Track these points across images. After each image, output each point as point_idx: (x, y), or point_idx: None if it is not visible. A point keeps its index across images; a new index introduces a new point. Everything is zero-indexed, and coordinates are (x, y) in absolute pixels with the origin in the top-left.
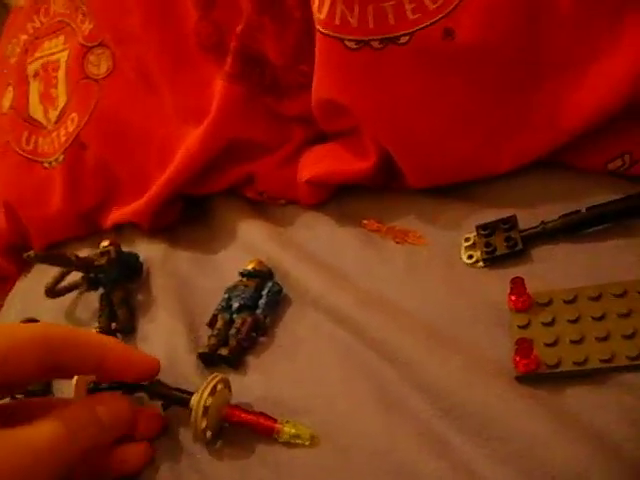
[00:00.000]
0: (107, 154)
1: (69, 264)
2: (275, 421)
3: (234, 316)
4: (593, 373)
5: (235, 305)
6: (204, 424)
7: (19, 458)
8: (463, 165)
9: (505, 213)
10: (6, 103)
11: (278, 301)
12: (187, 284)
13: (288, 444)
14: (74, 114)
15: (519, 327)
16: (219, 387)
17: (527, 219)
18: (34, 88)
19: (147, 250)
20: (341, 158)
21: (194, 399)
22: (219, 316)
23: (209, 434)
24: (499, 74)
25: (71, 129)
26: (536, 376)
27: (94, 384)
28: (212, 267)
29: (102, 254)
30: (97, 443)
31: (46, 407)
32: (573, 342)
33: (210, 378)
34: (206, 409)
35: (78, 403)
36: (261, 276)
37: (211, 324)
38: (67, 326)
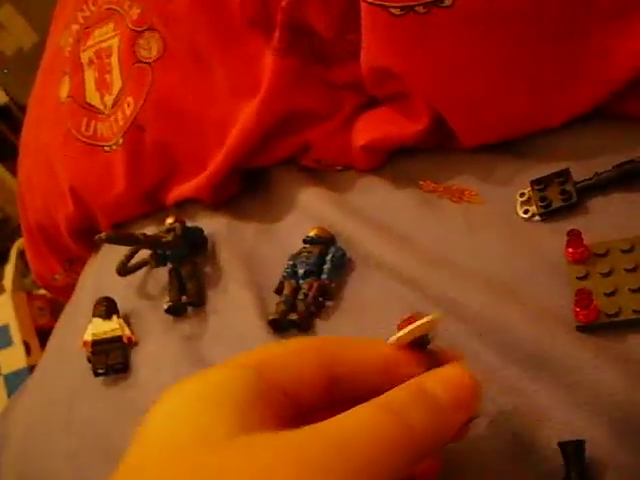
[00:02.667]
0: (165, 135)
1: (138, 243)
2: None
3: (300, 282)
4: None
5: (301, 271)
6: None
7: (329, 455)
8: (515, 121)
9: (558, 166)
10: (64, 92)
11: (342, 265)
12: (252, 254)
13: None
14: (130, 98)
15: (577, 278)
16: None
17: (581, 171)
18: (89, 75)
19: (211, 224)
20: (394, 122)
21: None
22: (285, 283)
23: None
24: (545, 28)
25: (128, 113)
26: (597, 326)
27: None
28: (275, 236)
29: (168, 231)
30: (438, 432)
31: None
32: (632, 290)
33: None
34: None
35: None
36: (324, 242)
37: (278, 291)
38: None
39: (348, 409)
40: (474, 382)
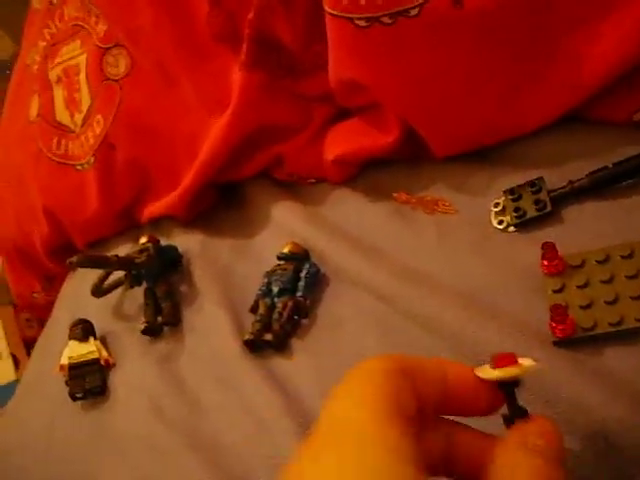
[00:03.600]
0: (136, 152)
1: (110, 265)
2: None
3: (275, 300)
4: (629, 333)
5: (275, 289)
6: None
7: None
8: (487, 129)
9: (532, 174)
10: (33, 111)
11: (317, 282)
12: (227, 271)
13: None
14: (99, 116)
15: (553, 291)
16: None
17: (555, 178)
18: (58, 94)
19: (185, 241)
20: (365, 134)
21: None
22: (260, 301)
23: None
24: (512, 35)
25: (98, 131)
26: (574, 340)
27: None
28: (250, 252)
29: (141, 251)
30: None
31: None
32: (607, 303)
33: None
34: None
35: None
36: (298, 258)
37: (253, 310)
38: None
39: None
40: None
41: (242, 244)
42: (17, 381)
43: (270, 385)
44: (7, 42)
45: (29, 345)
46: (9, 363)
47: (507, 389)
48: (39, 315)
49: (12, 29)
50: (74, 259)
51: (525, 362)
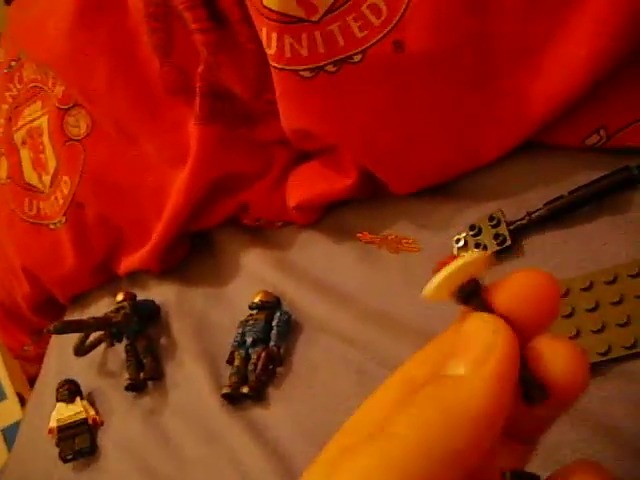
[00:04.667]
0: (104, 209)
1: (89, 328)
2: None
3: (250, 351)
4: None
5: (249, 340)
6: None
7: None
8: (442, 166)
9: (491, 206)
10: (3, 174)
11: (289, 330)
12: (203, 322)
13: None
14: (66, 177)
15: None
16: None
17: (514, 209)
18: (25, 155)
19: (161, 292)
20: (323, 178)
21: None
22: (236, 353)
23: None
24: (455, 75)
25: (66, 191)
26: None
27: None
28: (223, 301)
29: (117, 310)
30: None
31: None
32: (594, 332)
33: None
34: None
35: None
36: (269, 307)
37: (229, 361)
38: None
39: None
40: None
41: (215, 293)
42: None
43: (250, 436)
44: None
45: (32, 383)
46: (14, 402)
47: (467, 298)
48: (32, 364)
49: None
50: (51, 327)
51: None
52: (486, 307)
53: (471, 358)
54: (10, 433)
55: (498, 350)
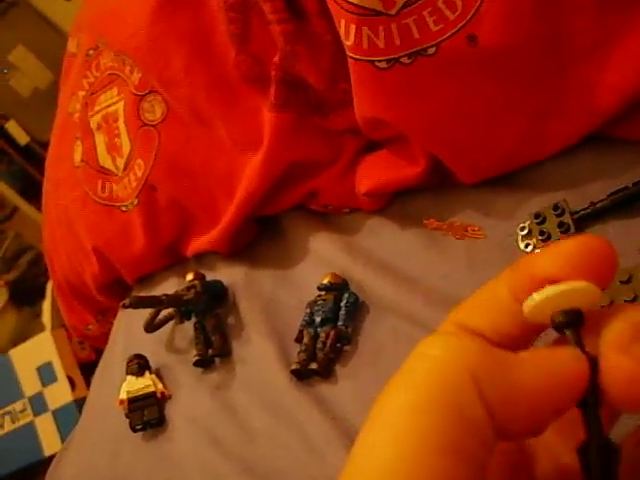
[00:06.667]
0: (176, 192)
1: (161, 304)
2: None
3: (318, 330)
4: None
5: (317, 319)
6: None
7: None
8: (509, 156)
9: (556, 196)
10: (77, 157)
11: (356, 310)
12: (271, 302)
13: None
14: (140, 160)
15: None
16: None
17: (578, 199)
18: (100, 140)
19: (229, 274)
20: (393, 166)
21: None
22: (304, 331)
23: None
24: (527, 68)
25: (139, 174)
26: None
27: None
28: (292, 283)
29: (188, 288)
30: None
31: None
32: None
33: None
34: None
35: None
36: (338, 288)
37: (298, 340)
38: None
39: None
40: None
41: (283, 275)
42: (75, 402)
43: (318, 411)
44: (46, 73)
45: (82, 367)
46: (65, 385)
47: (564, 327)
48: (93, 344)
49: (49, 59)
50: (127, 302)
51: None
52: (581, 345)
53: None
54: (61, 415)
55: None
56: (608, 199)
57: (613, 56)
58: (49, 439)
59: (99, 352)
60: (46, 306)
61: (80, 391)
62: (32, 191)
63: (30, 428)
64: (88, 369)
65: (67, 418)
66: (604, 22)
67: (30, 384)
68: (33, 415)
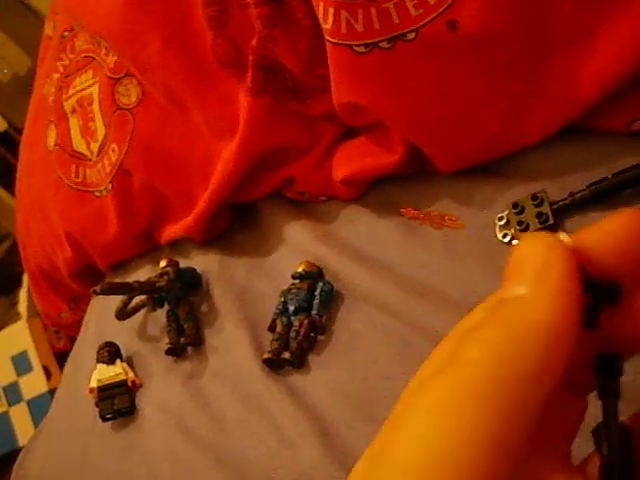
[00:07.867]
0: (150, 178)
1: (133, 291)
2: None
3: (292, 318)
4: None
5: (291, 308)
6: None
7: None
8: (488, 144)
9: (534, 187)
10: (51, 141)
11: (331, 299)
12: (244, 290)
13: None
14: (114, 144)
15: None
16: None
17: (557, 190)
18: (74, 123)
19: (203, 261)
20: (370, 153)
21: None
22: (278, 320)
23: None
24: (508, 55)
25: (114, 159)
26: None
27: None
28: (266, 271)
29: (161, 275)
30: None
31: None
32: None
33: None
34: None
35: None
36: (312, 277)
37: (271, 329)
38: None
39: None
40: None
41: (258, 263)
42: (50, 392)
43: (290, 400)
44: (25, 59)
45: (58, 356)
46: (41, 375)
47: None
48: (67, 332)
49: (28, 45)
50: (98, 288)
51: None
52: None
53: (530, 276)
54: (36, 405)
55: (558, 264)
56: (588, 190)
57: (594, 45)
58: (23, 429)
59: (75, 342)
60: (22, 295)
61: (56, 381)
62: (9, 179)
63: (4, 418)
64: (64, 359)
65: (42, 408)
66: (586, 10)
67: (5, 373)
68: (7, 405)
